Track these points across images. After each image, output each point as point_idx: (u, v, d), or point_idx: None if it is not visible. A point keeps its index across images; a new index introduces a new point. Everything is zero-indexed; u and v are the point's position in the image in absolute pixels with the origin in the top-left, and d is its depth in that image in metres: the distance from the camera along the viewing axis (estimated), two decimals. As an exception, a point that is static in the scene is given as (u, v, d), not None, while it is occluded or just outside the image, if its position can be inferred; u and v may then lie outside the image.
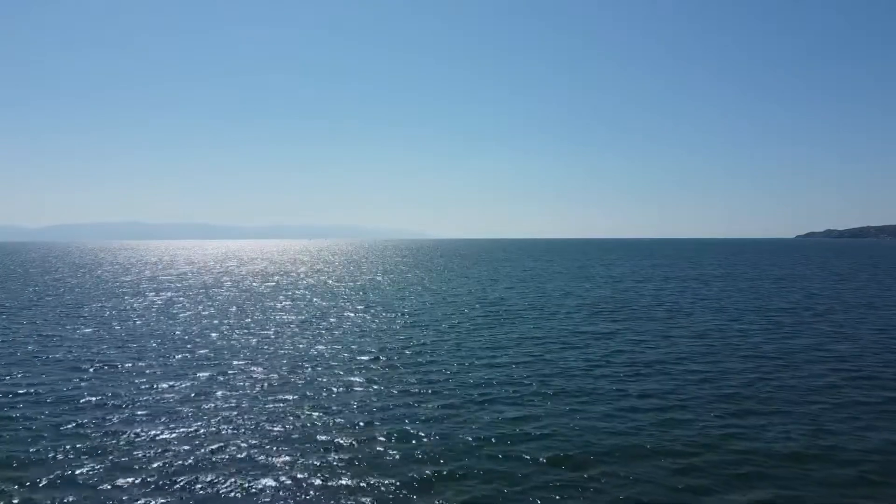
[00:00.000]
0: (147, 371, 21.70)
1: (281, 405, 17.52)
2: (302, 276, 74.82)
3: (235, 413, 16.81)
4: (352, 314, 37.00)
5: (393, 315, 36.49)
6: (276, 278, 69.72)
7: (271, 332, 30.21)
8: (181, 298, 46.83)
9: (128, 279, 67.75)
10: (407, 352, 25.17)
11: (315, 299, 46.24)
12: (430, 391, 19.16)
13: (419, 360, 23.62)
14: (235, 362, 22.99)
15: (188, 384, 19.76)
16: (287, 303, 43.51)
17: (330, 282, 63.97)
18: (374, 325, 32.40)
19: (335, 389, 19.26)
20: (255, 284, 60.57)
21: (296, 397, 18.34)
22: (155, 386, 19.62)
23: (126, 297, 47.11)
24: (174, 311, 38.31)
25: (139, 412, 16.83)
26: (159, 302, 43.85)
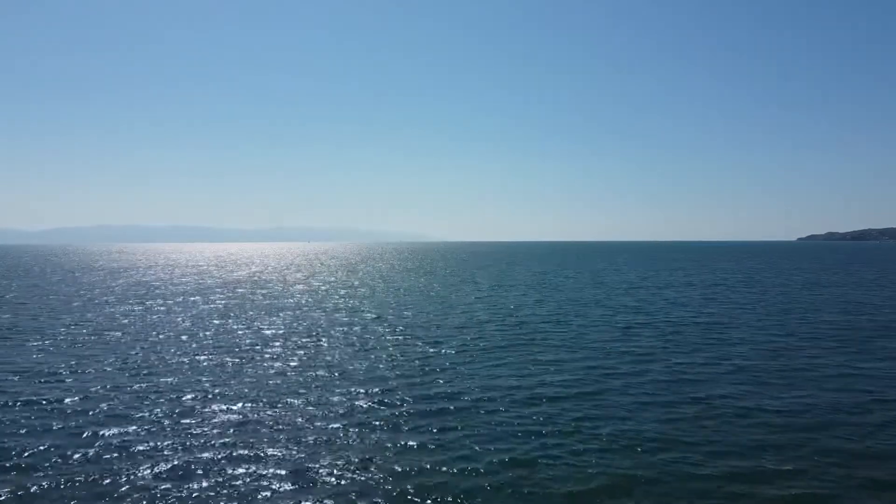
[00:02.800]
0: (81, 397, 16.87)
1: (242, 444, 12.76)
2: (294, 285, 69.93)
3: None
4: (343, 331, 32.16)
5: (395, 331, 31.62)
6: (263, 290, 64.79)
7: (237, 356, 25.34)
8: (151, 309, 41.96)
9: (94, 286, 63.02)
10: (416, 381, 20.24)
11: (305, 313, 41.34)
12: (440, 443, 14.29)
13: (427, 390, 18.78)
14: (194, 390, 18.19)
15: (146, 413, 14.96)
16: (265, 321, 38.66)
17: (323, 288, 59.13)
18: (373, 346, 27.55)
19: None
20: (239, 294, 55.72)
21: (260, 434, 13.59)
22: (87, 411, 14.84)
23: (89, 309, 42.29)
24: (133, 325, 33.50)
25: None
26: (118, 315, 39.05)
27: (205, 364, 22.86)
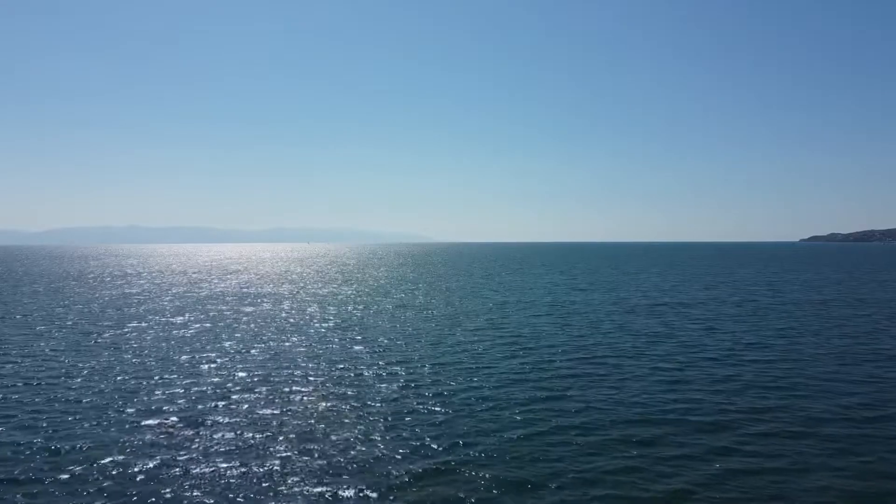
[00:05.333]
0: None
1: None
2: (281, 302, 64.88)
3: None
4: (335, 360, 27.13)
5: (398, 363, 26.59)
6: (248, 309, 59.75)
7: (191, 414, 20.31)
8: (119, 340, 36.93)
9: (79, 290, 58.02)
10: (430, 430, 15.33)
11: (284, 347, 36.32)
12: None
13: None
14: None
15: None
16: (239, 358, 33.69)
17: (309, 310, 54.07)
18: (366, 374, 22.55)
19: None
20: (219, 314, 50.68)
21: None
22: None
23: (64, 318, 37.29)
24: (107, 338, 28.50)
25: None
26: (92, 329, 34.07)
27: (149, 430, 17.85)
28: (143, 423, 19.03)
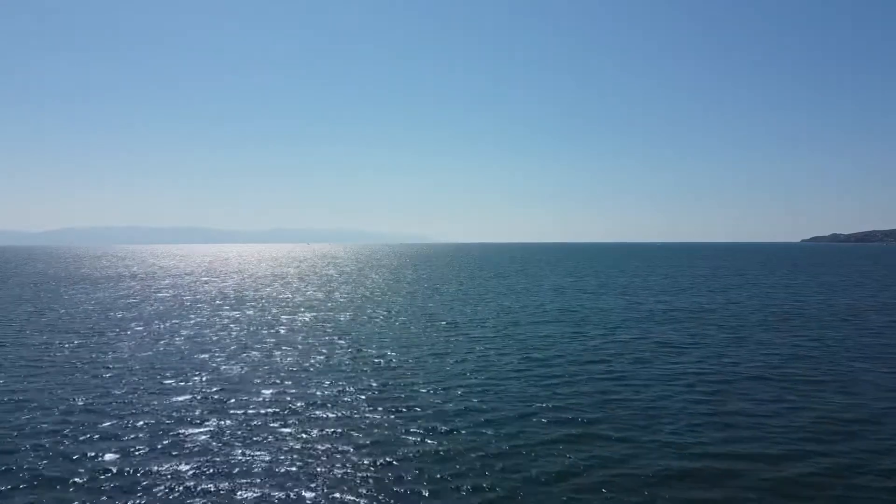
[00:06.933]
0: None
1: None
2: (266, 312, 61.45)
3: None
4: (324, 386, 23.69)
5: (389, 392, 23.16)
6: (229, 315, 56.41)
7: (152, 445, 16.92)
8: (99, 344, 33.53)
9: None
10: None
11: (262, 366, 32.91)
12: None
13: None
14: None
15: None
16: (214, 375, 30.28)
17: (302, 319, 50.64)
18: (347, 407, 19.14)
19: None
20: (202, 322, 47.24)
21: None
22: None
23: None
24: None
25: None
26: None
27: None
28: (98, 449, 15.60)
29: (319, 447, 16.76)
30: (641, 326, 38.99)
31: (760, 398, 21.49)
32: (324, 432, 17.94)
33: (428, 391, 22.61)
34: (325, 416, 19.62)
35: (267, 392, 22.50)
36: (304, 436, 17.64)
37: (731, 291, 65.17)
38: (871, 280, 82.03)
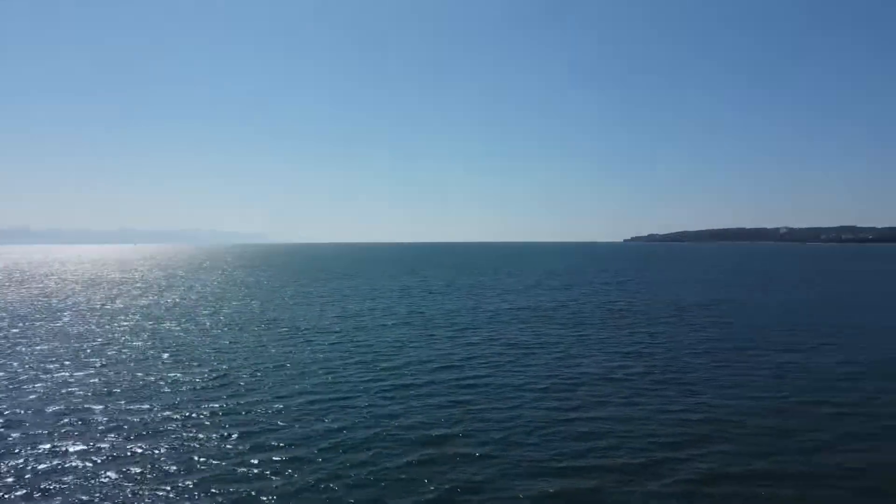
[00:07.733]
0: None
1: None
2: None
3: None
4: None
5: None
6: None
7: None
8: None
9: None
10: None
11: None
12: None
13: None
14: None
15: None
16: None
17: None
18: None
19: None
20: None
21: None
22: None
23: None
24: None
25: None
26: None
27: None
28: None
29: (122, 488, 13.48)
30: (489, 327, 38.72)
31: (612, 401, 21.34)
32: (130, 470, 14.60)
33: (266, 411, 19.82)
34: (133, 448, 16.14)
35: (63, 420, 18.33)
36: (107, 477, 14.19)
37: (574, 289, 68.08)
38: (690, 278, 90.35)
